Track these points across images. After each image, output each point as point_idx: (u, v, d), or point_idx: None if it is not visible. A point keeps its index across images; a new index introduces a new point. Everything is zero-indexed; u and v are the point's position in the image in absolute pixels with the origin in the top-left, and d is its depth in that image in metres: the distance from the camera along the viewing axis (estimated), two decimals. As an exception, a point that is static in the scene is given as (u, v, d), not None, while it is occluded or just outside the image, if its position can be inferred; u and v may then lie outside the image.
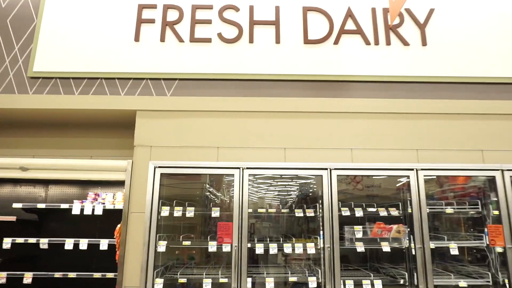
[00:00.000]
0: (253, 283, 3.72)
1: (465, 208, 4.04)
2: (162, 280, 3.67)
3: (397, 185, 4.19)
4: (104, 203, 4.26)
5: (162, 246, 3.74)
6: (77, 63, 4.15)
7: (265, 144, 3.88)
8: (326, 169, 3.75)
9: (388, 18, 4.25)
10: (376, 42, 4.18)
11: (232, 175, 3.77)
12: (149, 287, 3.54)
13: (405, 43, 4.18)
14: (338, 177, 3.75)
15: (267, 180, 4.46)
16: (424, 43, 4.18)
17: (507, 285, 3.66)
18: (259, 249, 3.75)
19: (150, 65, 4.15)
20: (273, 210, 4.10)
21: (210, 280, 3.71)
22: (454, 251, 3.76)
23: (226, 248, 3.66)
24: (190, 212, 3.87)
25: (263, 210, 4.01)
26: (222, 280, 3.72)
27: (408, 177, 3.77)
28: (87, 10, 4.35)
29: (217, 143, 3.89)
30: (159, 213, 3.78)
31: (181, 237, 3.98)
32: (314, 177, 3.98)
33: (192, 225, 4.74)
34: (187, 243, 3.82)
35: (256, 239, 4.02)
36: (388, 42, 4.18)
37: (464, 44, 4.22)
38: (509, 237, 3.65)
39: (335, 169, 3.75)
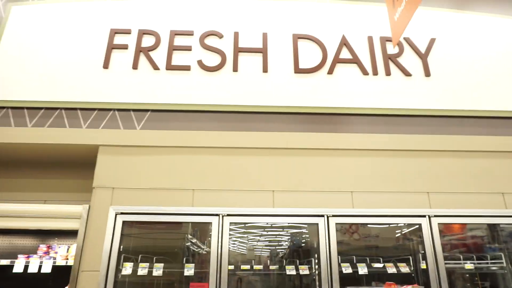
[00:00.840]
0: None
1: (487, 263, 3.42)
2: None
3: (402, 231, 3.58)
4: (55, 258, 3.52)
5: (120, 316, 2.99)
6: (33, 91, 3.59)
7: (250, 187, 3.28)
8: (323, 216, 3.14)
9: (387, 47, 3.88)
10: (375, 72, 3.76)
11: (210, 223, 3.12)
12: None
13: (407, 73, 3.77)
14: (336, 226, 3.14)
15: (252, 230, 3.80)
16: (427, 73, 3.78)
17: None
18: None
19: (119, 95, 3.61)
20: (260, 267, 3.40)
21: None
22: (479, 317, 3.09)
23: (201, 315, 2.93)
24: (158, 270, 3.15)
25: (247, 267, 3.32)
26: None
27: (419, 225, 3.18)
28: (50, 33, 3.87)
29: (192, 185, 3.27)
30: (119, 270, 3.06)
31: (146, 301, 3.23)
32: (307, 225, 3.34)
33: (162, 284, 3.98)
34: (153, 308, 3.07)
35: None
36: (388, 73, 3.76)
37: (471, 75, 3.84)
38: (545, 300, 3.02)
39: (333, 216, 3.14)
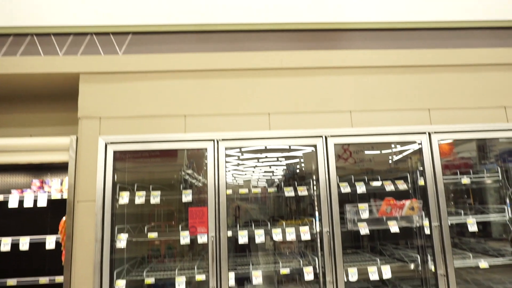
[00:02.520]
0: (237, 278, 3.06)
1: (483, 177, 3.44)
2: (124, 281, 2.95)
3: (402, 151, 3.55)
4: (49, 192, 3.46)
5: (122, 241, 3.00)
6: (-1, 16, 3.23)
7: (245, 110, 3.12)
8: (321, 136, 3.04)
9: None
10: (375, -19, 3.42)
11: (205, 150, 3.02)
12: (106, 293, 2.82)
13: (410, -20, 3.44)
14: (335, 148, 3.06)
15: (248, 157, 3.74)
16: (432, -20, 3.45)
17: (533, 263, 3.13)
18: (243, 237, 3.06)
19: (96, 17, 3.27)
20: (258, 190, 3.39)
21: (183, 279, 3.02)
22: (473, 228, 3.18)
23: (202, 238, 2.96)
24: (156, 198, 3.12)
25: (245, 191, 3.30)
26: (199, 277, 3.03)
27: (420, 142, 3.11)
28: None
29: (184, 111, 3.11)
30: (116, 200, 3.02)
31: (146, 228, 3.24)
32: (304, 152, 3.27)
33: (162, 213, 4.01)
34: (153, 235, 3.09)
35: (239, 224, 3.34)
36: (389, -20, 3.43)
37: (478, -19, 3.52)
38: (538, 208, 3.09)
39: (332, 136, 3.05)
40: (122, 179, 3.17)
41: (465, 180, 3.33)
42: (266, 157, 3.86)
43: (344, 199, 3.20)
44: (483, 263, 3.16)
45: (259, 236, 3.08)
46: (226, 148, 3.02)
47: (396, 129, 3.10)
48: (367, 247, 4.02)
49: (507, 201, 3.29)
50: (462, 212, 3.25)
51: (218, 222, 2.92)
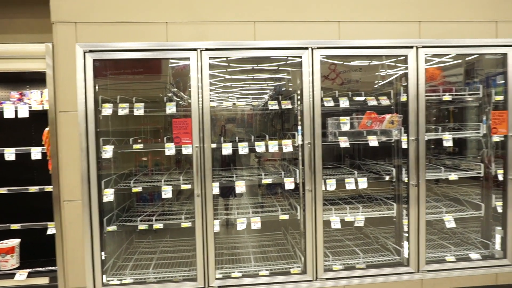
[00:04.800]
0: (222, 188, 3.20)
1: (464, 95, 3.49)
2: (113, 191, 3.06)
3: (388, 66, 3.53)
4: (30, 104, 3.39)
5: (108, 152, 3.05)
6: None
7: (229, 18, 2.97)
8: (307, 48, 2.96)
9: None
10: None
11: (188, 59, 2.93)
12: (95, 200, 2.93)
13: None
14: (322, 66, 3.00)
15: (235, 69, 3.66)
16: None
17: (499, 176, 3.33)
18: (226, 149, 3.14)
19: None
20: (242, 103, 3.39)
21: (170, 188, 3.15)
22: (448, 143, 3.31)
23: (187, 150, 3.02)
24: (140, 109, 3.10)
25: (229, 104, 3.30)
26: (184, 186, 3.16)
27: (406, 56, 3.07)
28: None
29: (166, 17, 2.94)
30: (98, 112, 2.99)
31: (130, 140, 3.27)
32: (294, 60, 3.19)
33: (148, 131, 4.04)
34: (138, 146, 3.14)
35: (225, 140, 3.39)
36: None
37: None
38: (513, 124, 3.20)
39: (319, 48, 2.97)
40: (105, 94, 3.10)
41: (447, 97, 3.37)
42: (253, 68, 3.80)
43: (328, 113, 3.24)
44: (453, 176, 3.35)
45: (243, 148, 3.15)
46: (210, 58, 2.94)
47: (384, 42, 3.03)
48: (349, 163, 4.20)
49: (484, 118, 3.38)
50: (440, 128, 3.35)
51: (202, 133, 2.95)
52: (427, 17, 3.11)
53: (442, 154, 4.26)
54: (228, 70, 3.70)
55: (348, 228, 4.00)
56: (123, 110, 3.06)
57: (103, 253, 3.02)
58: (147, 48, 2.88)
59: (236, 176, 3.44)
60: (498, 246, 3.36)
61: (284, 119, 4.19)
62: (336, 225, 3.25)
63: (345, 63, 3.88)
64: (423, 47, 3.04)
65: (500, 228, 3.33)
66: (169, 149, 3.05)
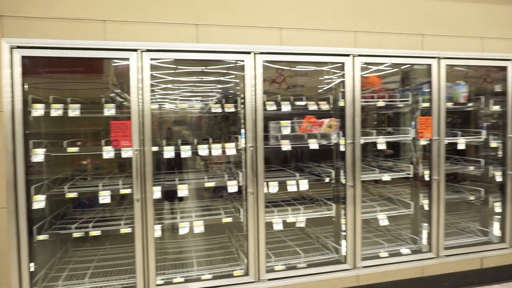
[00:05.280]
0: (165, 192, 3.14)
1: (396, 101, 3.75)
2: (44, 197, 2.86)
3: (327, 72, 3.69)
4: None
5: (38, 155, 2.85)
6: None
7: (172, 19, 2.93)
8: (249, 53, 3.01)
9: None
10: None
11: (128, 59, 2.84)
12: (23, 207, 2.72)
13: None
14: (264, 66, 3.07)
15: (179, 70, 3.60)
16: None
17: (426, 177, 3.62)
18: (169, 152, 3.08)
19: None
20: (190, 106, 3.35)
21: (108, 193, 3.02)
22: (382, 146, 3.53)
23: (127, 153, 2.91)
24: (75, 111, 2.94)
25: (172, 106, 3.24)
26: (124, 191, 3.05)
27: (343, 64, 3.24)
28: None
29: (104, 15, 2.82)
30: (28, 112, 2.79)
31: (64, 143, 3.09)
32: (239, 62, 3.21)
33: (88, 130, 3.83)
34: (73, 149, 2.97)
35: (167, 143, 3.32)
36: None
37: None
38: (437, 129, 3.49)
39: (261, 53, 3.03)
40: (38, 94, 2.90)
41: (381, 103, 3.60)
42: (201, 71, 3.77)
43: (270, 116, 3.31)
44: (386, 177, 3.59)
45: (185, 151, 3.11)
46: (151, 59, 2.87)
47: (323, 50, 3.16)
48: (293, 166, 4.32)
49: (413, 123, 3.65)
50: (375, 132, 3.56)
51: (142, 135, 2.87)
52: (362, 28, 3.30)
53: (380, 157, 4.54)
54: (174, 71, 3.65)
55: (291, 229, 4.10)
56: (56, 111, 2.88)
57: (32, 264, 2.81)
58: (82, 46, 2.74)
59: (180, 180, 3.39)
60: (425, 241, 3.65)
61: (231, 122, 4.20)
62: (278, 226, 3.33)
63: (291, 68, 3.99)
64: (359, 55, 3.23)
65: (427, 224, 3.62)
66: (108, 153, 2.93)
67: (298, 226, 3.45)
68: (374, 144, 3.55)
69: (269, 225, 3.32)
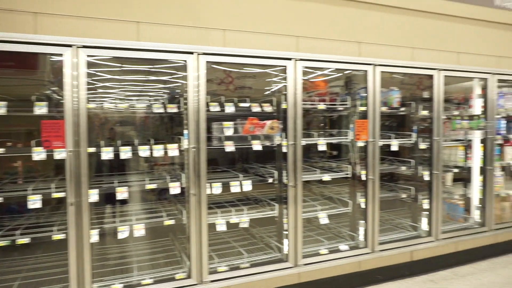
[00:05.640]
0: (103, 195, 3.01)
1: (335, 104, 3.93)
2: (-38, 201, 2.61)
3: (271, 76, 3.77)
4: None
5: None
6: None
7: (111, 15, 2.82)
8: (192, 53, 2.98)
9: None
10: None
11: (61, 55, 2.68)
12: None
13: None
14: (207, 65, 3.05)
15: (120, 68, 3.47)
16: None
17: (363, 176, 3.82)
18: (107, 153, 2.96)
19: None
20: (125, 105, 3.24)
21: (39, 196, 2.82)
22: (322, 147, 3.68)
23: (60, 154, 2.75)
24: (1, 109, 2.72)
25: (111, 106, 3.12)
26: (57, 194, 2.87)
27: (285, 67, 3.32)
28: None
29: (34, 7, 2.64)
30: None
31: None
32: (177, 62, 3.17)
33: (21, 130, 3.56)
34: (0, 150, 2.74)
35: (104, 143, 3.19)
36: None
37: None
38: (372, 131, 3.70)
39: (204, 54, 3.02)
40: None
41: (321, 106, 3.75)
42: (146, 70, 3.65)
43: (217, 120, 3.30)
44: (326, 177, 3.74)
45: (125, 152, 3.01)
46: (88, 56, 2.74)
47: (267, 53, 3.22)
48: (238, 167, 4.35)
49: (351, 126, 3.85)
50: (316, 134, 3.70)
51: (77, 136, 2.73)
52: (304, 33, 3.42)
53: (324, 158, 4.73)
54: (118, 69, 3.51)
55: (236, 230, 4.12)
56: (-24, 109, 2.65)
57: None
58: (7, 39, 2.54)
59: (120, 182, 3.27)
60: (361, 237, 3.86)
61: (176, 123, 4.13)
62: (221, 227, 3.33)
63: (239, 70, 4.02)
64: (300, 59, 3.33)
65: (363, 221, 3.83)
66: (38, 154, 2.75)
67: (242, 227, 3.48)
68: (320, 146, 3.70)
69: (212, 226, 3.31)
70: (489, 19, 4.43)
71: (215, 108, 3.20)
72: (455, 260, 4.27)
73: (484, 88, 4.45)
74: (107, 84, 3.70)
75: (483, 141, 4.48)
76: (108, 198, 3.69)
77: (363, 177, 3.81)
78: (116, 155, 2.99)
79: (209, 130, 3.22)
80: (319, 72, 3.96)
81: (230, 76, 4.25)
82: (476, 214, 4.60)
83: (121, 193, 3.04)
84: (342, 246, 3.77)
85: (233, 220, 3.43)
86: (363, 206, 3.84)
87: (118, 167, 4.05)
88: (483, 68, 4.34)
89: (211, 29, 3.09)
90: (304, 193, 4.50)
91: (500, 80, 4.51)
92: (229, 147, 3.26)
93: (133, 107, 3.46)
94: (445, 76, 4.05)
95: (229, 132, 3.20)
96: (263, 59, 3.23)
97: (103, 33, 2.79)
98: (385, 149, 4.09)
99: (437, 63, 4.02)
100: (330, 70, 3.77)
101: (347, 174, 3.92)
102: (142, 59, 2.92)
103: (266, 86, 4.11)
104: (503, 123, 4.70)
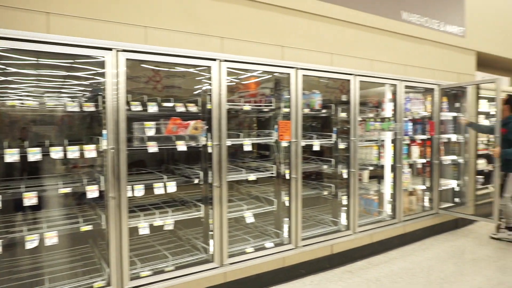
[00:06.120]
0: (12, 202, 2.73)
1: (260, 105, 4.03)
2: None
3: (196, 76, 3.75)
4: None
5: None
6: None
7: (17, 3, 2.57)
8: (111, 49, 2.84)
9: None
10: None
11: (-48, 46, 2.37)
12: None
13: None
14: (128, 63, 2.93)
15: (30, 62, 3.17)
16: None
17: (287, 175, 3.97)
18: (11, 156, 2.69)
19: None
20: (34, 103, 2.97)
21: None
22: (248, 148, 3.75)
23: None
24: None
25: (33, 103, 2.84)
26: None
27: (209, 68, 3.32)
28: None
29: None
30: None
31: None
32: (98, 58, 2.99)
33: None
34: None
35: (7, 145, 2.90)
36: None
37: None
38: (295, 132, 3.87)
39: (124, 50, 2.89)
40: None
41: (247, 107, 3.82)
42: (65, 65, 3.38)
43: (134, 117, 3.18)
44: (252, 177, 3.82)
45: (34, 154, 2.76)
46: (-14, 48, 2.46)
47: (190, 52, 3.19)
48: (164, 168, 4.24)
49: (276, 126, 3.98)
50: (242, 134, 3.76)
51: (-26, 136, 2.44)
52: (230, 35, 3.45)
53: (253, 158, 4.81)
54: (30, 63, 3.21)
55: (162, 233, 4.02)
56: None
57: None
58: None
59: (28, 187, 2.99)
60: (286, 234, 4.00)
61: (98, 123, 3.90)
62: (144, 231, 3.22)
63: (170, 69, 3.93)
64: (225, 60, 3.36)
65: (287, 218, 3.98)
66: None
67: (167, 229, 3.40)
68: (248, 146, 3.76)
69: (135, 230, 3.19)
70: (398, 31, 4.90)
71: (137, 107, 3.08)
72: (370, 251, 4.64)
73: (394, 93, 4.91)
74: (15, 79, 3.38)
75: (393, 141, 4.94)
76: (17, 204, 3.36)
77: (287, 176, 3.96)
78: (24, 157, 2.73)
79: (130, 130, 3.10)
80: (249, 74, 4.03)
81: (158, 75, 4.14)
82: (388, 208, 5.04)
83: (29, 198, 2.79)
84: (268, 244, 3.88)
85: (157, 222, 3.33)
86: (287, 204, 3.98)
87: (31, 170, 3.71)
88: (393, 75, 4.78)
89: (132, 26, 2.98)
90: (232, 193, 4.57)
91: (407, 87, 5.01)
92: (152, 147, 3.17)
93: (45, 104, 3.19)
94: (361, 81, 4.38)
95: (151, 132, 3.10)
96: (186, 59, 3.19)
97: (13, 24, 2.53)
98: (310, 149, 4.30)
99: (353, 69, 4.33)
100: (259, 72, 3.85)
101: (272, 173, 4.04)
102: (54, 53, 2.71)
103: (195, 86, 4.07)
104: (410, 125, 5.23)
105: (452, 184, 5.89)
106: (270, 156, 4.71)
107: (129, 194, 3.06)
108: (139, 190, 3.13)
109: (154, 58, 3.05)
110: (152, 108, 3.17)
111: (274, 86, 4.20)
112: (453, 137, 5.82)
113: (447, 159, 5.71)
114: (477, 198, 6.05)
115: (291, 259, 3.92)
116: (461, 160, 5.89)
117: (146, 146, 3.14)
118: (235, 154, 4.94)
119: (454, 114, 5.82)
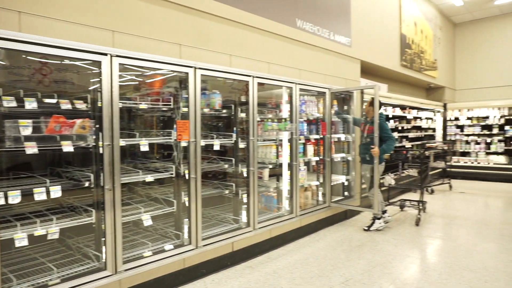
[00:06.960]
0: None
1: (158, 104, 3.91)
2: None
3: (84, 70, 3.47)
4: None
5: None
6: None
7: None
8: (-26, 35, 2.46)
9: None
10: None
11: None
12: None
13: None
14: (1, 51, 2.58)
15: None
16: None
17: (186, 175, 3.93)
18: None
19: None
20: None
21: None
22: (145, 148, 3.61)
23: None
24: None
25: None
26: None
27: (100, 63, 3.11)
28: None
29: None
30: None
31: None
32: None
33: None
34: None
35: None
36: None
37: None
38: (194, 132, 3.85)
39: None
40: None
41: (143, 106, 3.67)
42: None
43: (8, 114, 2.81)
44: (149, 178, 3.69)
45: None
46: None
47: (77, 45, 2.94)
48: (49, 172, 3.82)
49: (175, 126, 3.91)
50: (139, 134, 3.60)
51: None
52: (122, 29, 3.27)
53: (154, 159, 4.63)
54: None
55: (47, 243, 3.63)
56: None
57: None
58: None
59: None
60: (186, 234, 3.96)
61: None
62: (22, 242, 2.86)
63: (62, 62, 3.53)
64: (117, 56, 3.18)
65: (187, 219, 3.94)
66: None
67: (52, 238, 3.08)
68: (149, 145, 3.60)
69: (11, 242, 2.81)
70: (293, 37, 5.24)
71: (10, 103, 2.72)
72: (269, 246, 4.86)
73: (291, 96, 5.23)
74: None
75: (290, 140, 5.26)
76: None
77: (187, 177, 3.91)
78: None
79: (2, 129, 2.73)
80: (151, 72, 3.87)
81: (45, 68, 3.71)
82: (286, 204, 5.35)
83: None
84: (167, 246, 3.78)
85: (39, 232, 2.99)
86: (187, 204, 3.94)
87: None
88: (289, 78, 5.09)
89: (3, 9, 2.62)
90: (130, 196, 4.35)
91: (302, 89, 5.38)
92: (31, 148, 2.83)
93: None
94: (259, 82, 4.56)
95: (27, 131, 2.77)
96: (74, 52, 2.93)
97: None
98: (212, 149, 4.32)
99: (252, 71, 4.48)
100: (163, 70, 3.72)
101: (171, 174, 3.96)
102: None
103: (90, 82, 3.76)
104: (305, 125, 5.63)
105: (342, 179, 6.52)
106: (171, 156, 4.61)
107: (1, 202, 2.69)
108: (13, 197, 2.77)
109: (31, 48, 2.71)
110: (31, 105, 2.83)
111: (179, 85, 4.12)
112: (342, 137, 6.44)
113: (338, 156, 6.29)
114: (362, 191, 6.79)
115: (192, 259, 3.89)
116: (349, 158, 6.56)
117: (23, 147, 2.80)
118: (135, 154, 4.71)
119: (345, 116, 6.45)
